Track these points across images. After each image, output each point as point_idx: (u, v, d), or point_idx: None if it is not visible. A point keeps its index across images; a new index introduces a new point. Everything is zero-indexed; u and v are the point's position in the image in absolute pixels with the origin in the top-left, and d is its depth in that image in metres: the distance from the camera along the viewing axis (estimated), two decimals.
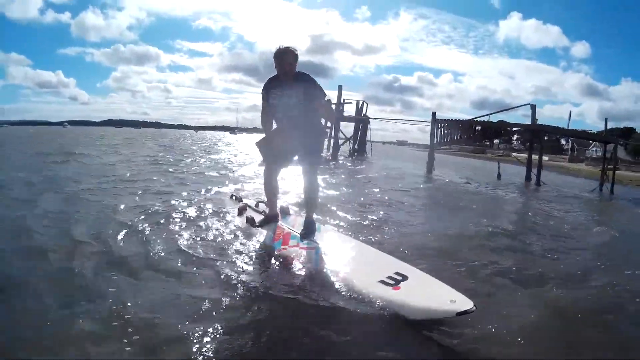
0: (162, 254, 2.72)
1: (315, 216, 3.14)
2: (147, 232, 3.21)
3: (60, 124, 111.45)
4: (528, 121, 13.57)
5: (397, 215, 4.69)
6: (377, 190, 6.71)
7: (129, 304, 1.93)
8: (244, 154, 15.20)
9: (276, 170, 3.22)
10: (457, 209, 5.67)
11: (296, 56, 2.86)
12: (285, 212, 3.47)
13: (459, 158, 32.02)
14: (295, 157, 3.10)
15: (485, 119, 13.92)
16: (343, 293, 2.18)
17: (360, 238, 3.22)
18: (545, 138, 15.93)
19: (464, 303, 1.77)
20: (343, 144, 18.01)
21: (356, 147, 16.48)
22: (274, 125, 3.09)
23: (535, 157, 13.61)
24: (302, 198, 3.18)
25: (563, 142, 48.20)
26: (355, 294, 2.13)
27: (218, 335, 1.72)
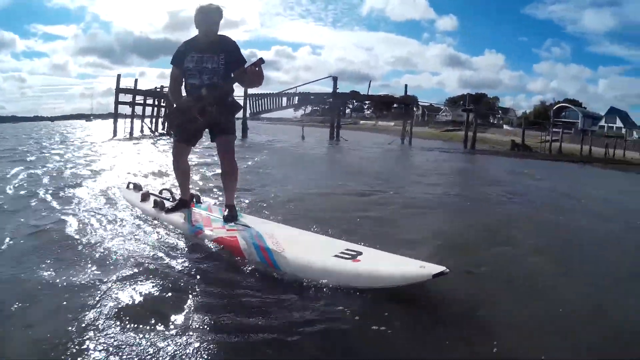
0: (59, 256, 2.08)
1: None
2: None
3: None
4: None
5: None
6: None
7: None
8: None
9: (187, 148, 2.80)
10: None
11: (222, 15, 2.46)
12: (197, 199, 3.07)
13: (300, 128, 35.34)
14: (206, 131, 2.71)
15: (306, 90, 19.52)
16: (298, 269, 1.96)
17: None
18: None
19: (435, 267, 1.73)
20: None
21: None
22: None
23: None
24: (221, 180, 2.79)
25: (415, 109, 55.19)
26: (312, 270, 1.94)
27: (159, 336, 1.48)
